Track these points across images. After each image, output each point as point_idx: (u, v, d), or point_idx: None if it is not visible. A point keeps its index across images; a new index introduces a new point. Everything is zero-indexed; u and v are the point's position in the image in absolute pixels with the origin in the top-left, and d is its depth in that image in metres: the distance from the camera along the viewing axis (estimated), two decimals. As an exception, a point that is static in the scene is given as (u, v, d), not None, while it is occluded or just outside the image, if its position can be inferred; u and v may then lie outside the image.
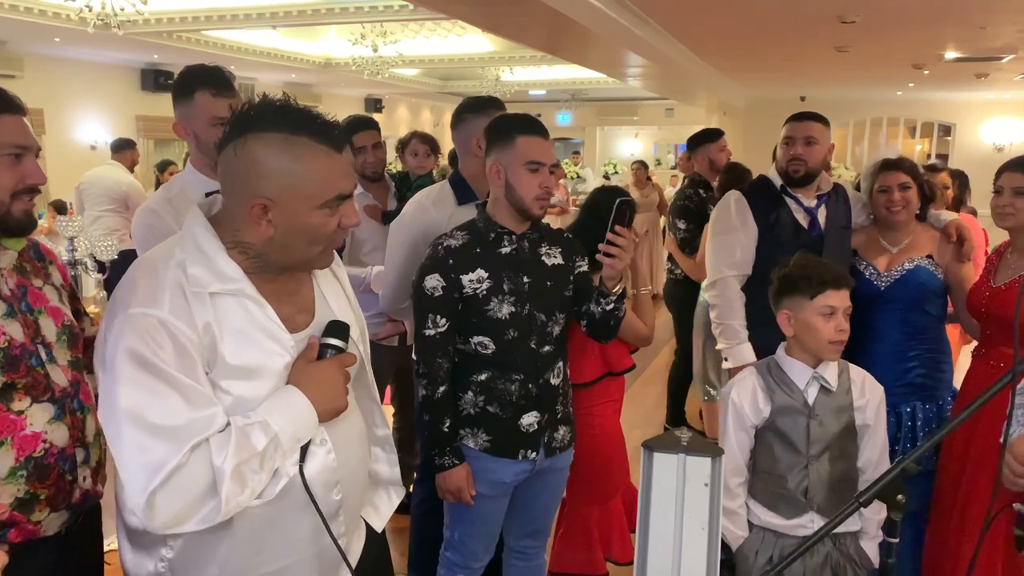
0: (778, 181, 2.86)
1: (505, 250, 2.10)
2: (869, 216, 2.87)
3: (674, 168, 14.56)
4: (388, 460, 1.67)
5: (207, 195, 2.20)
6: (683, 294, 4.62)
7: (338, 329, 1.40)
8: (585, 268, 2.24)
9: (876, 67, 9.52)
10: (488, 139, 2.12)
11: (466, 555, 2.24)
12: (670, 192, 9.50)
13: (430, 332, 2.05)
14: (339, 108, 3.81)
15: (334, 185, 1.31)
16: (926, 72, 9.75)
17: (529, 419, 2.12)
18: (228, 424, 1.25)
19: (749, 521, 2.12)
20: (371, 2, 7.42)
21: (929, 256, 2.67)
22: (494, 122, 2.15)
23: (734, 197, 2.95)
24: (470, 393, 2.12)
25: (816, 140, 2.77)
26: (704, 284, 3.13)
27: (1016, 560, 2.37)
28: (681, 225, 4.52)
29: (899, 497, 1.35)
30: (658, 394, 5.58)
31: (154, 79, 10.52)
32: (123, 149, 6.63)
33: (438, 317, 2.05)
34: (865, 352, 2.67)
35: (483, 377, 2.10)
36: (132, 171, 6.69)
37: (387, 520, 1.66)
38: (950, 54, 8.33)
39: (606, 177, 13.60)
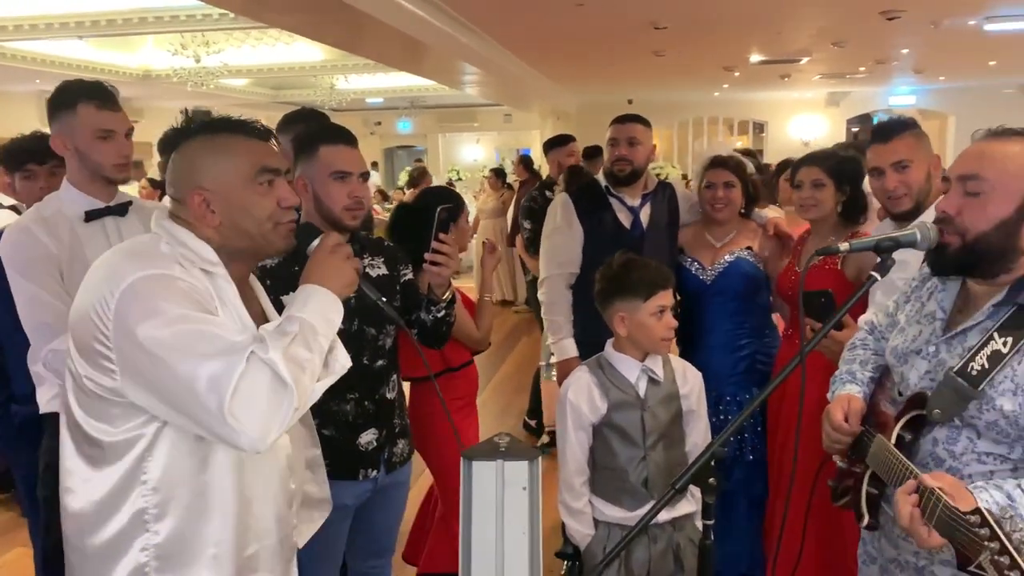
0: (604, 182, 2.95)
1: None
2: (697, 212, 2.97)
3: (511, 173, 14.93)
4: (317, 480, 1.72)
5: (86, 214, 2.12)
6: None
7: (308, 234, 1.54)
8: (410, 276, 2.22)
9: (692, 70, 10.15)
10: (294, 153, 2.05)
11: (309, 584, 2.16)
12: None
13: None
14: (163, 122, 3.59)
15: (258, 160, 1.43)
16: (737, 74, 10.51)
17: (367, 437, 2.08)
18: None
19: (595, 518, 2.15)
20: (187, 11, 7.04)
21: (749, 248, 2.80)
22: (298, 135, 2.09)
23: (561, 199, 3.04)
24: None
25: (639, 140, 2.87)
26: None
27: (831, 518, 2.51)
28: (527, 225, 4.66)
29: (711, 480, 1.44)
30: (511, 393, 5.69)
31: (-57, 96, 9.51)
32: None
33: None
34: (699, 346, 2.80)
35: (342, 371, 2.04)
36: None
37: (307, 539, 1.70)
38: (755, 57, 9.03)
39: (450, 183, 13.68)
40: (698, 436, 2.23)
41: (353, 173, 2.00)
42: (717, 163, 2.82)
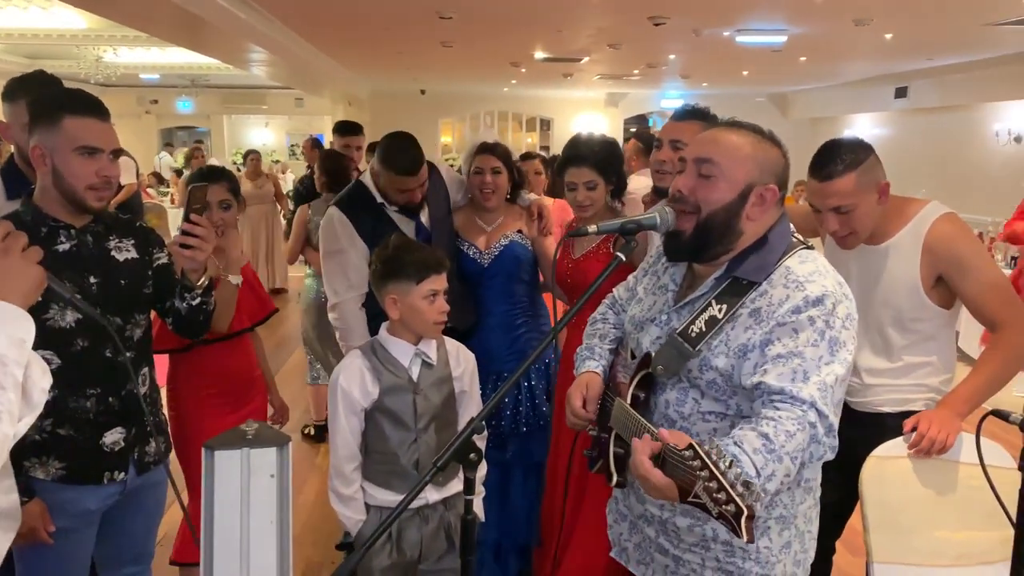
0: (374, 191, 2.81)
1: (63, 247, 1.85)
2: (466, 195, 2.99)
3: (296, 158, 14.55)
4: (3, 488, 1.34)
5: None
6: None
7: None
8: (165, 260, 2.07)
9: (481, 63, 10.37)
10: (31, 117, 1.84)
11: (48, 602, 1.96)
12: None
13: None
14: None
15: None
16: (523, 70, 10.89)
17: (113, 436, 1.91)
18: None
19: (367, 503, 2.14)
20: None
21: (520, 231, 2.89)
22: (37, 99, 1.89)
23: (336, 217, 2.81)
24: None
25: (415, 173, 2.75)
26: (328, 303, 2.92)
27: (592, 486, 2.59)
28: (291, 207, 4.61)
29: (471, 456, 1.48)
30: (294, 391, 5.49)
31: None
32: None
33: None
34: (478, 326, 2.84)
35: (48, 396, 1.83)
36: None
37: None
38: (539, 54, 9.40)
39: (237, 168, 12.98)
40: (470, 416, 2.28)
41: (104, 150, 1.83)
42: (485, 149, 2.88)
